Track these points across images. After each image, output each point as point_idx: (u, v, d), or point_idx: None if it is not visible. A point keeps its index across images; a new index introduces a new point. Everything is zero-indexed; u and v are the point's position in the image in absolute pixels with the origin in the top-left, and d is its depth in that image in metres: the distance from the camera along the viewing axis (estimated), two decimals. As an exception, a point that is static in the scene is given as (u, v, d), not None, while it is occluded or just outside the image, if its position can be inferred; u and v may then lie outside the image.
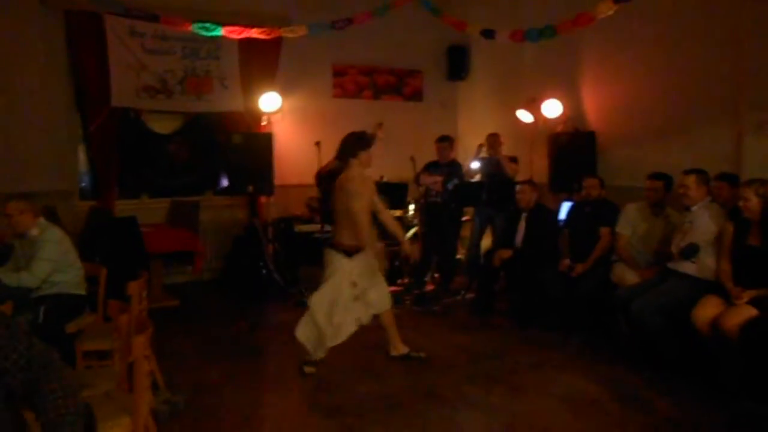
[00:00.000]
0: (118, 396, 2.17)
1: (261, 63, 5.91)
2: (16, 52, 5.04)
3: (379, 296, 3.41)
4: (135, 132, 5.87)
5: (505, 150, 5.28)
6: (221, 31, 4.32)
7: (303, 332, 3.28)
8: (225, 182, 6.14)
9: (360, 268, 3.30)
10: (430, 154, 5.30)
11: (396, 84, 6.85)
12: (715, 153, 3.93)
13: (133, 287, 2.63)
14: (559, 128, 5.26)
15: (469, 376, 3.37)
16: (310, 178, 5.36)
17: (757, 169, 3.54)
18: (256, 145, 5.45)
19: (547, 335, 4.04)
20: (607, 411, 2.90)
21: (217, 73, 5.86)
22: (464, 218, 5.59)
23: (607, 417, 2.84)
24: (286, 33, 4.40)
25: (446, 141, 5.32)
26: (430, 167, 5.21)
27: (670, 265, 3.47)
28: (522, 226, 4.49)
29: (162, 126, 6.02)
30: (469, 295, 4.94)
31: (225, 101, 5.91)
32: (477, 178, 5.48)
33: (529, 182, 4.65)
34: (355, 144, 3.29)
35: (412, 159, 4.92)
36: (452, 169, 5.18)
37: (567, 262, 4.13)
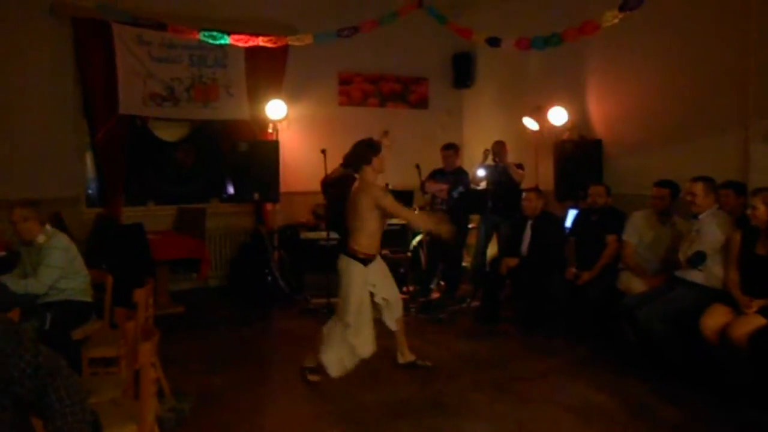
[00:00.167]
0: (124, 403, 2.17)
1: (267, 71, 5.95)
2: (23, 59, 5.11)
3: (396, 301, 3.41)
4: (142, 139, 5.91)
5: (511, 158, 5.28)
6: (228, 40, 4.36)
7: (328, 357, 3.20)
8: (231, 189, 6.16)
9: (375, 276, 3.30)
10: (435, 161, 5.30)
11: (401, 92, 6.87)
12: (722, 161, 3.91)
13: (140, 294, 2.63)
14: (565, 136, 5.26)
15: (475, 383, 3.36)
16: (315, 186, 5.38)
17: (764, 178, 3.52)
18: (262, 153, 5.48)
19: (552, 343, 4.01)
20: (613, 419, 2.87)
21: (224, 81, 5.91)
22: (470, 226, 5.58)
23: (613, 425, 2.81)
24: (293, 41, 4.43)
25: (452, 149, 5.32)
26: (436, 175, 5.21)
27: (678, 273, 3.45)
28: (528, 233, 4.48)
29: (168, 133, 6.06)
30: (475, 303, 4.91)
31: (231, 109, 5.95)
32: (482, 185, 5.47)
33: (535, 190, 4.64)
34: (367, 150, 3.29)
35: (418, 167, 4.92)
36: (458, 176, 5.17)
37: (573, 270, 4.11)
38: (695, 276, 3.33)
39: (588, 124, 5.21)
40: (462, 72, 6.86)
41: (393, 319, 3.43)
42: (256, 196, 5.45)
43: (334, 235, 5.13)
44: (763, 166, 3.68)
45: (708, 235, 3.31)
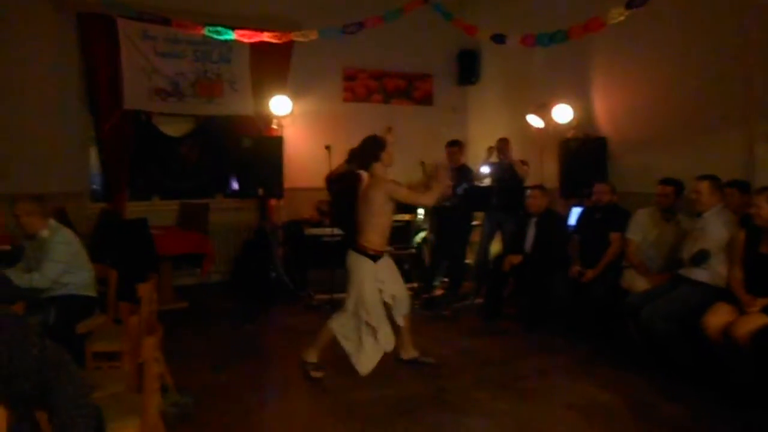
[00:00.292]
0: (127, 397, 2.18)
1: (272, 67, 5.95)
2: (28, 54, 5.11)
3: (403, 298, 3.42)
4: (146, 134, 5.92)
5: (515, 155, 5.26)
6: (233, 35, 4.36)
7: (357, 357, 3.23)
8: (235, 185, 6.17)
9: (384, 273, 3.31)
10: (440, 158, 5.28)
11: (406, 88, 6.85)
12: (727, 160, 3.88)
13: (144, 289, 2.64)
14: (570, 134, 5.23)
15: (477, 380, 3.36)
16: (320, 182, 5.37)
17: (768, 176, 3.50)
18: (267, 149, 5.48)
19: (555, 341, 4.00)
20: (616, 417, 2.87)
21: (228, 76, 5.91)
22: (474, 223, 5.57)
23: (615, 423, 2.81)
24: (298, 37, 4.42)
25: (456, 146, 5.30)
26: (440, 171, 5.19)
27: (681, 271, 3.44)
28: (532, 231, 4.46)
29: (173, 129, 6.07)
30: (478, 300, 4.91)
31: (236, 104, 5.95)
32: (486, 182, 5.46)
33: (540, 187, 4.62)
34: (374, 146, 3.30)
35: (422, 163, 4.91)
36: (462, 173, 5.16)
37: (577, 267, 4.09)
38: (699, 274, 3.32)
39: (593, 121, 5.18)
40: (467, 69, 6.83)
41: (400, 315, 3.43)
42: (261, 191, 5.46)
43: (338, 231, 5.13)
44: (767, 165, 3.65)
45: (712, 234, 3.30)
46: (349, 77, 6.57)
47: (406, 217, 5.28)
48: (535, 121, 5.44)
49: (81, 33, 5.31)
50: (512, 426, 2.81)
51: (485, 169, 5.48)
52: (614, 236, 4.03)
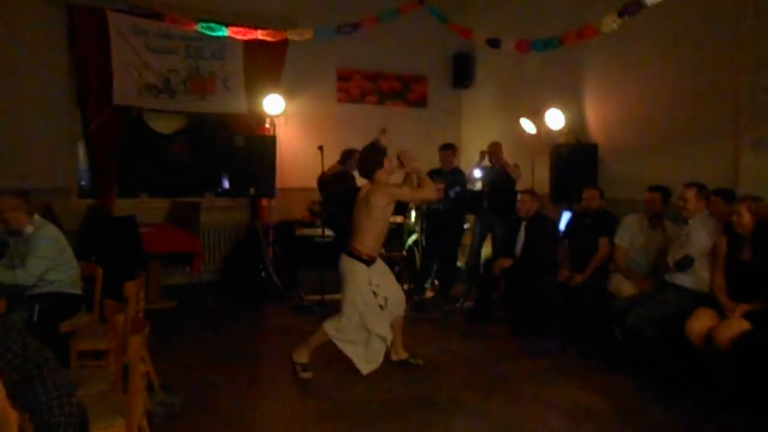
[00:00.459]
0: (112, 396, 2.15)
1: (265, 65, 5.92)
2: (16, 48, 5.04)
3: (396, 301, 3.41)
4: (136, 131, 5.86)
5: (507, 159, 5.28)
6: (226, 32, 4.33)
7: (359, 358, 3.22)
8: (226, 184, 6.13)
9: (378, 276, 3.31)
10: (433, 161, 5.30)
11: (401, 90, 6.86)
12: (713, 168, 3.94)
13: (130, 287, 2.61)
14: (561, 139, 5.27)
15: (466, 382, 3.36)
16: (312, 182, 5.36)
17: (753, 185, 3.55)
18: (259, 148, 5.45)
19: (544, 344, 4.03)
20: (603, 419, 2.89)
21: (221, 73, 5.87)
22: (465, 226, 5.59)
23: (602, 425, 2.83)
24: (292, 36, 4.40)
25: (449, 149, 5.32)
26: (433, 174, 5.20)
27: (667, 277, 3.49)
28: (522, 235, 4.49)
29: (164, 125, 6.02)
30: (468, 303, 4.92)
31: (228, 102, 5.91)
32: (478, 186, 5.47)
33: (530, 192, 4.64)
34: (376, 154, 3.31)
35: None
36: (455, 176, 5.18)
37: (566, 272, 4.12)
38: (683, 280, 3.37)
39: (584, 128, 5.22)
40: (461, 72, 6.85)
41: (394, 316, 3.42)
42: (252, 191, 5.42)
43: (329, 232, 5.12)
44: (753, 174, 3.72)
45: (697, 240, 3.35)
46: (344, 78, 6.56)
47: (398, 219, 5.27)
48: (527, 125, 5.47)
49: (71, 26, 5.23)
50: (501, 427, 2.82)
51: (477, 173, 5.50)
52: (602, 241, 4.07)
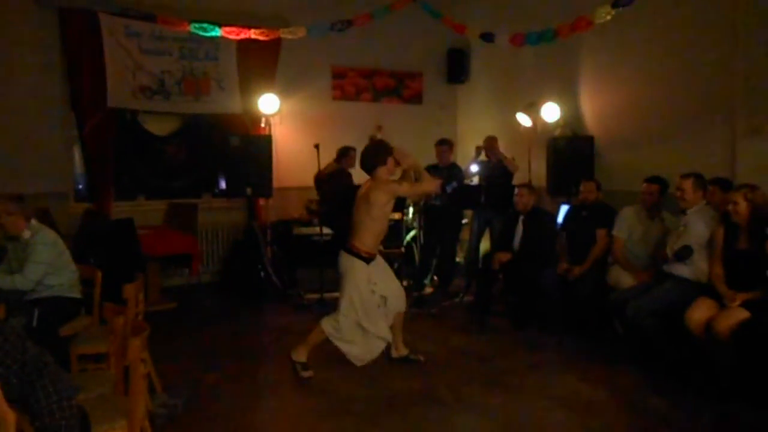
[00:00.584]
0: (113, 399, 2.15)
1: (260, 64, 5.90)
2: (9, 51, 5.02)
3: (396, 298, 3.41)
4: (131, 133, 5.84)
5: (503, 153, 5.29)
6: (219, 32, 4.31)
7: (353, 352, 3.24)
8: (223, 184, 6.12)
9: (377, 273, 3.31)
10: (429, 157, 5.30)
11: (395, 86, 6.85)
12: (710, 157, 3.95)
13: (129, 290, 2.61)
14: (558, 132, 5.27)
15: (467, 377, 3.37)
16: (308, 181, 5.36)
17: (750, 174, 3.56)
18: (255, 148, 5.44)
19: (544, 337, 4.04)
20: (603, 411, 2.91)
21: (215, 74, 5.85)
22: (463, 221, 5.59)
23: (603, 417, 2.85)
24: (286, 34, 4.39)
25: (446, 144, 5.32)
26: (430, 170, 5.19)
27: (665, 267, 3.49)
28: (520, 229, 4.49)
29: (159, 127, 6.00)
30: (468, 298, 4.93)
31: (223, 103, 5.90)
32: (475, 181, 5.48)
33: (527, 186, 4.65)
34: (381, 151, 3.31)
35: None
36: (452, 172, 5.17)
37: (564, 264, 4.13)
38: (682, 270, 3.38)
39: (580, 120, 5.23)
40: (456, 67, 6.84)
41: (394, 312, 3.43)
42: (249, 191, 5.41)
43: (327, 230, 5.12)
44: (749, 163, 3.72)
45: (695, 230, 3.36)
46: (338, 75, 6.55)
47: (396, 216, 5.28)
48: (523, 119, 5.47)
49: (63, 29, 5.21)
50: (501, 421, 2.83)
51: (474, 168, 5.50)
52: (600, 233, 4.08)
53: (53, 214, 4.60)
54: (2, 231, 3.14)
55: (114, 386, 2.27)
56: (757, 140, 3.71)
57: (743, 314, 2.89)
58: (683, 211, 3.45)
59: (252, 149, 5.40)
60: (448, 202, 5.08)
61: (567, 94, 5.27)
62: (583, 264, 4.05)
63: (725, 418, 2.79)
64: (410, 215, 5.63)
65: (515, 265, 4.36)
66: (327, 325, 3.25)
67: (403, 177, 3.47)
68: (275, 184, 5.55)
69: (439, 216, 5.14)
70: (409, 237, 5.55)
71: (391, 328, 3.46)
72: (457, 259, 5.67)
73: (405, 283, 5.17)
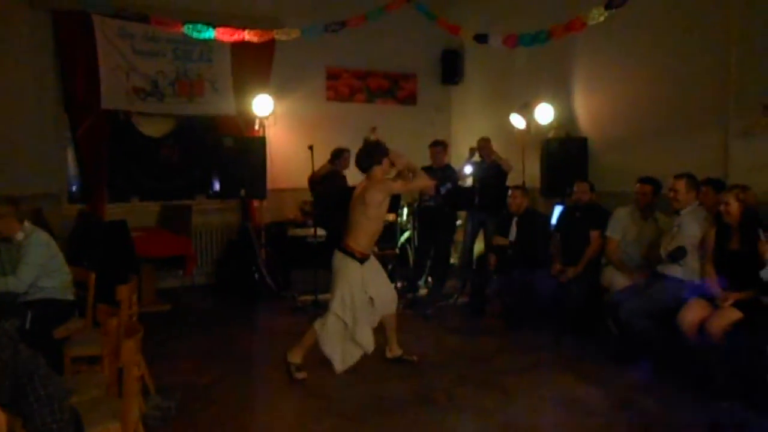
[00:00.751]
0: (107, 401, 2.14)
1: (253, 66, 5.89)
2: (2, 53, 4.98)
3: (387, 299, 3.42)
4: (125, 134, 5.82)
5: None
6: (213, 33, 4.30)
7: (333, 353, 3.23)
8: (217, 186, 6.10)
9: (370, 274, 3.31)
10: (423, 158, 5.31)
11: (390, 88, 6.86)
12: (703, 158, 3.97)
13: (123, 291, 2.60)
14: (551, 134, 5.30)
15: (461, 378, 3.38)
16: (303, 182, 5.35)
17: (743, 175, 3.59)
18: (249, 149, 5.43)
19: (538, 338, 4.05)
20: (598, 412, 2.92)
21: (209, 75, 5.84)
22: (457, 222, 5.60)
23: (597, 418, 2.86)
24: (280, 36, 4.38)
25: (440, 146, 5.33)
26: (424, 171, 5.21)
27: (659, 268, 3.51)
28: (513, 230, 4.51)
29: (153, 129, 5.98)
30: (462, 299, 4.94)
31: (217, 104, 5.89)
32: (469, 182, 5.49)
33: (521, 187, 4.67)
34: (377, 151, 3.32)
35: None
36: (446, 173, 5.18)
37: (558, 266, 4.15)
38: (675, 271, 3.40)
39: (574, 122, 5.25)
40: (450, 68, 6.86)
41: (383, 314, 3.43)
42: (243, 192, 5.41)
43: (321, 231, 5.11)
44: (742, 163, 3.75)
45: (688, 231, 3.38)
46: (333, 76, 6.55)
47: (390, 217, 5.28)
48: (517, 121, 5.50)
49: (56, 31, 5.18)
50: (496, 422, 2.84)
51: (468, 169, 5.52)
52: (594, 234, 4.10)
53: (46, 215, 4.58)
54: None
55: (107, 388, 2.26)
56: (750, 141, 3.74)
57: (736, 315, 2.92)
58: (676, 212, 3.47)
59: (246, 151, 5.40)
60: (442, 204, 5.09)
61: (560, 96, 5.30)
62: (577, 265, 4.07)
63: (719, 419, 2.81)
64: (404, 216, 5.64)
65: (509, 267, 4.37)
66: (319, 325, 3.26)
67: (399, 178, 3.48)
68: (269, 185, 5.55)
69: (433, 217, 5.15)
70: (403, 238, 5.56)
71: (384, 329, 3.47)
72: (452, 261, 5.68)
73: (399, 284, 5.19)
